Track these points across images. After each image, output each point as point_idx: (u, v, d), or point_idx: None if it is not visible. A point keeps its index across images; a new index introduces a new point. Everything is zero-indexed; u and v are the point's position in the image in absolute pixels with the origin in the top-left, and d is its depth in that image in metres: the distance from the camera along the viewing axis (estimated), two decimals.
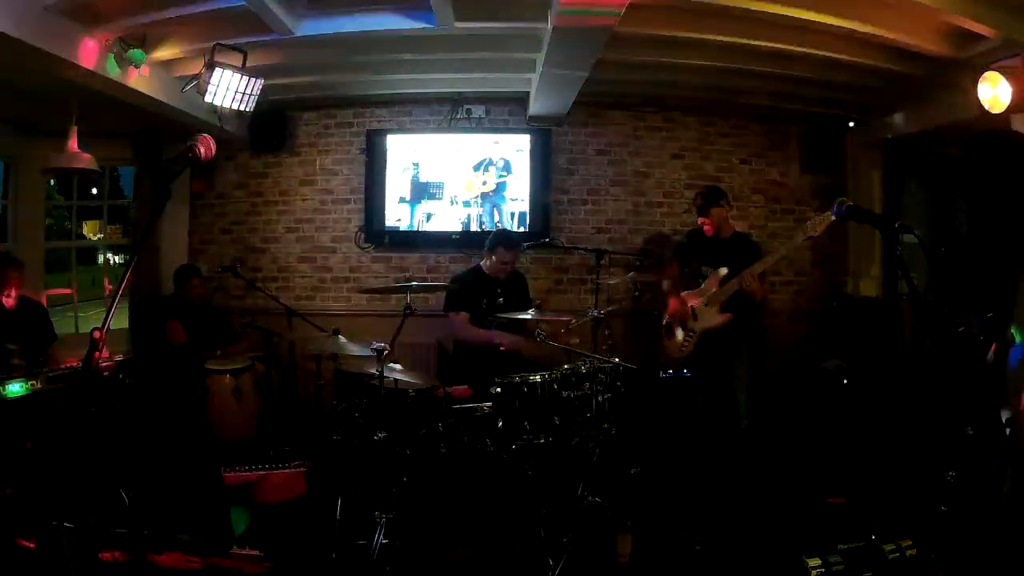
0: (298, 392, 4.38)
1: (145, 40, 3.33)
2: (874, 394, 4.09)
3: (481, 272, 3.76)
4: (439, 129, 4.97)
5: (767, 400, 3.67)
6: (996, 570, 2.53)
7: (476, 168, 4.88)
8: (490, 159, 4.88)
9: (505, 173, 4.88)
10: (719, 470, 3.72)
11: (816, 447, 3.87)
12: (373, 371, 2.75)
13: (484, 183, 4.89)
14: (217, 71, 3.41)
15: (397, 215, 4.91)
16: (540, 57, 3.67)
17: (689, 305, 3.61)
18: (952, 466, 2.61)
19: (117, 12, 3.12)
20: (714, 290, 3.47)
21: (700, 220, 3.64)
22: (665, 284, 3.84)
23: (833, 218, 2.90)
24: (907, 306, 4.29)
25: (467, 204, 4.89)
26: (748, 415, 3.58)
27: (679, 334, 3.66)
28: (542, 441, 2.86)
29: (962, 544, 2.51)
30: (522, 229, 4.79)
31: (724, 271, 3.44)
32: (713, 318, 3.49)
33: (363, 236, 5.00)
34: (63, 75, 3.19)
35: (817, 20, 3.17)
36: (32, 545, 2.20)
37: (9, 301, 3.76)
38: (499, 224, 4.76)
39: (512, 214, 4.87)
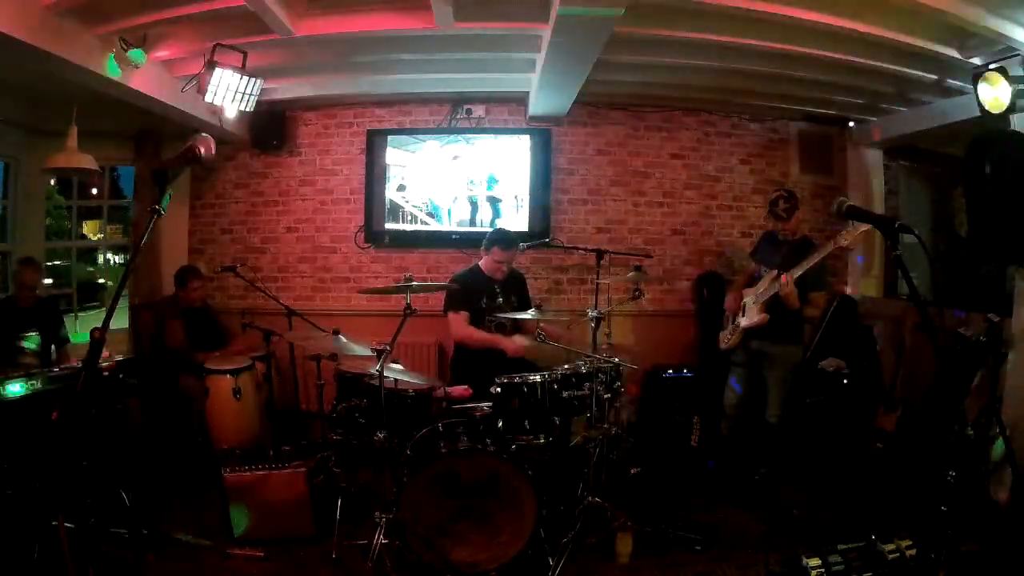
0: (298, 392, 4.38)
1: (145, 40, 3.33)
2: (874, 394, 4.09)
3: (479, 272, 3.75)
4: (439, 129, 4.97)
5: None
6: (996, 570, 2.54)
7: (476, 168, 4.88)
8: (490, 159, 4.88)
9: (505, 173, 4.88)
10: (724, 469, 3.73)
11: (816, 447, 3.87)
12: (373, 371, 2.75)
13: (484, 183, 4.90)
14: (217, 71, 3.41)
15: (397, 215, 4.91)
16: (540, 57, 3.67)
17: (742, 302, 3.65)
18: (952, 466, 2.62)
19: (117, 12, 3.12)
20: (762, 290, 3.50)
21: (782, 226, 3.59)
22: (736, 282, 3.90)
23: (865, 228, 2.89)
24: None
25: (468, 203, 4.90)
26: (778, 419, 3.55)
27: (728, 327, 3.73)
28: (542, 441, 2.86)
29: (962, 544, 2.51)
30: (523, 229, 4.79)
31: (774, 272, 3.46)
32: (753, 316, 3.51)
33: (363, 236, 5.00)
34: (63, 75, 3.19)
35: (817, 20, 3.17)
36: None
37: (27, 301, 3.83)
38: (499, 223, 4.76)
39: (512, 214, 4.87)
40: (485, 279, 3.71)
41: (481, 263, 3.76)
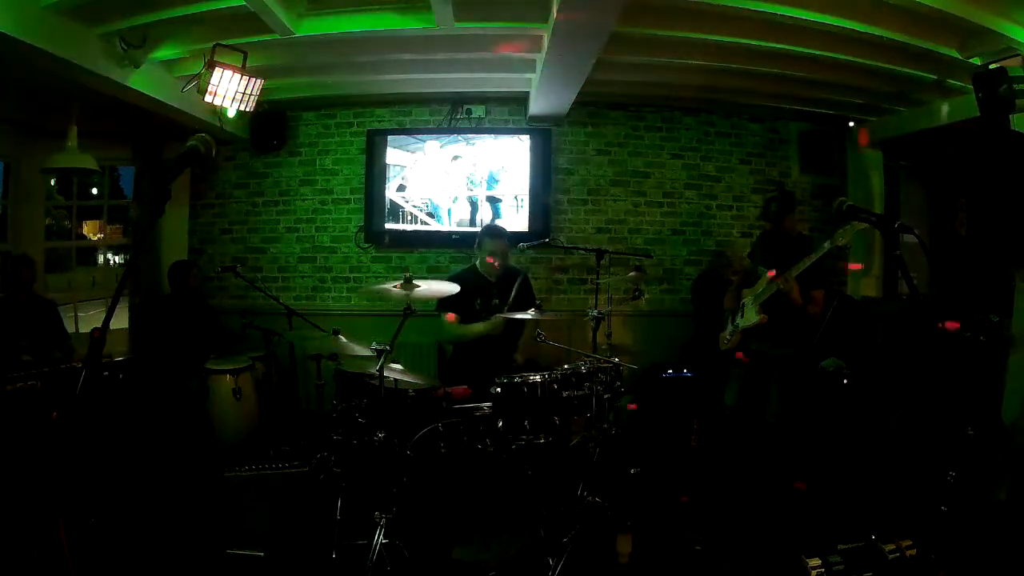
0: (298, 392, 4.38)
1: (145, 40, 3.33)
2: (874, 394, 4.09)
3: (475, 271, 3.75)
4: (439, 129, 4.97)
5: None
6: (996, 570, 2.54)
7: (476, 168, 4.88)
8: (490, 159, 4.88)
9: (505, 173, 4.88)
10: (724, 471, 3.72)
11: (816, 447, 3.87)
12: (373, 371, 2.75)
13: (484, 183, 4.89)
14: (217, 71, 3.41)
15: (397, 215, 4.91)
16: (540, 57, 3.67)
17: (741, 302, 3.65)
18: (952, 466, 2.61)
19: (117, 12, 3.13)
20: (761, 290, 3.49)
21: (773, 226, 3.61)
22: (734, 282, 3.89)
23: (861, 227, 2.89)
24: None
25: (468, 203, 4.90)
26: (779, 419, 3.55)
27: (728, 328, 3.72)
28: (542, 441, 2.85)
29: (962, 544, 2.51)
30: (523, 229, 4.79)
31: (772, 272, 3.45)
32: (752, 317, 3.51)
33: (363, 236, 5.00)
34: (63, 75, 3.19)
35: (817, 20, 3.17)
36: None
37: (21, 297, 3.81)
38: (499, 223, 4.75)
39: (512, 214, 4.87)
40: (480, 279, 3.71)
41: (477, 262, 3.76)
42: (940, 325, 3.35)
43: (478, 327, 3.55)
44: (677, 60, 3.80)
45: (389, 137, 4.91)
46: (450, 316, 3.62)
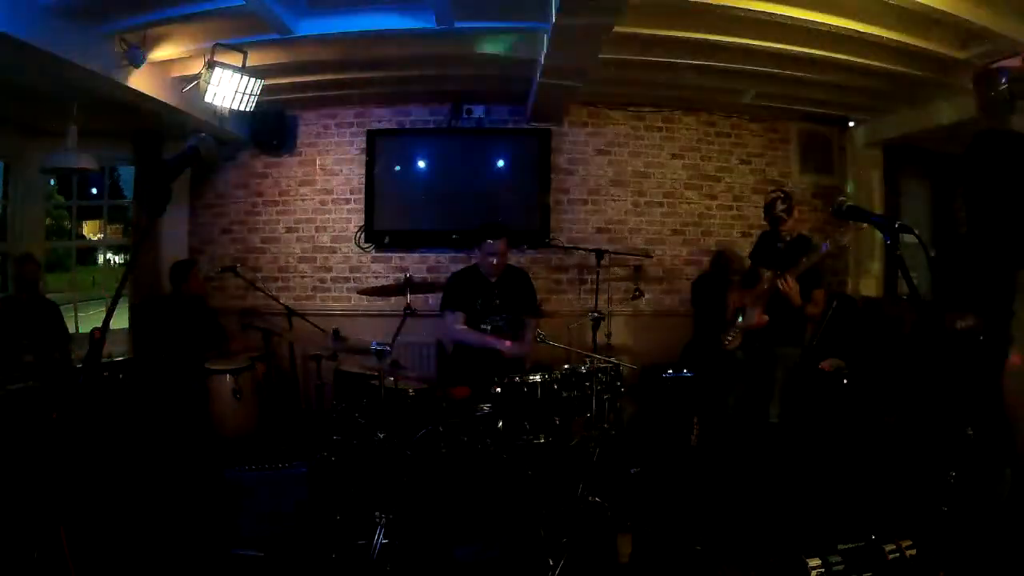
0: (298, 392, 4.38)
1: (145, 40, 3.33)
2: (874, 394, 4.09)
3: (476, 272, 3.74)
4: (439, 129, 4.97)
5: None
6: (996, 570, 2.54)
7: (476, 168, 4.88)
8: (490, 159, 4.88)
9: (505, 173, 4.88)
10: (725, 471, 3.73)
11: (816, 447, 3.87)
12: (373, 371, 2.75)
13: (483, 182, 4.89)
14: (217, 71, 3.41)
15: (397, 215, 4.91)
16: (540, 57, 3.66)
17: (742, 303, 3.65)
18: (952, 466, 2.61)
19: (117, 12, 3.13)
20: (761, 291, 3.49)
21: (779, 226, 3.59)
22: (735, 282, 3.88)
23: (862, 227, 2.88)
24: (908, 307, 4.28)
25: (468, 203, 4.90)
26: (780, 419, 3.55)
27: (731, 329, 3.72)
28: (542, 441, 2.86)
29: (962, 544, 2.51)
30: (523, 229, 4.78)
31: (773, 273, 3.45)
32: (752, 318, 3.51)
33: (363, 236, 5.00)
34: (63, 75, 3.19)
35: (817, 20, 3.17)
36: None
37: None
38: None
39: (512, 214, 4.87)
40: (481, 280, 3.70)
41: (477, 262, 3.76)
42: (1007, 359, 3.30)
43: (500, 344, 3.50)
44: (677, 60, 3.80)
45: (389, 137, 4.90)
46: (460, 316, 3.62)
